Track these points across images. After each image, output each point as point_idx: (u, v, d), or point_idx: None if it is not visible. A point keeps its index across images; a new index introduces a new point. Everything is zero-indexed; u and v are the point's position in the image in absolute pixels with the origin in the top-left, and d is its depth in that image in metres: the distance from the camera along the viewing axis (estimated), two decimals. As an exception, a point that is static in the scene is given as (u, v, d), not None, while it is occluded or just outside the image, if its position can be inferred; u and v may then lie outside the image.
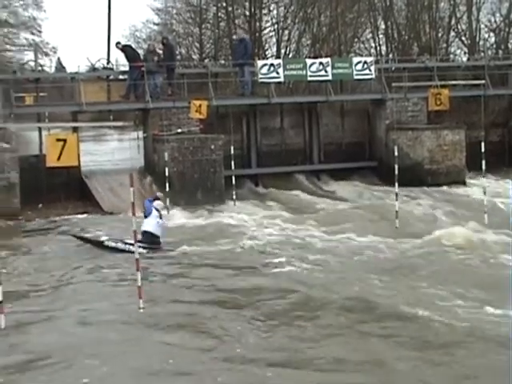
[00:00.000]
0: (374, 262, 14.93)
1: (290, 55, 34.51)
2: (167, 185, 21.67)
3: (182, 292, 12.89)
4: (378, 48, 36.44)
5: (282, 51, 35.05)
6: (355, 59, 27.97)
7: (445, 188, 24.83)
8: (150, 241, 16.48)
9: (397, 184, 18.52)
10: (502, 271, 13.43)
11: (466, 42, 36.27)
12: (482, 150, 19.14)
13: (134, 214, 11.85)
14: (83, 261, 15.55)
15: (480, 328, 10.49)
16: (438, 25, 35.83)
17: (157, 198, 17.70)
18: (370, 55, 33.38)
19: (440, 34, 35.99)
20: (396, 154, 18.97)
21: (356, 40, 36.69)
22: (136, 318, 11.15)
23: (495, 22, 36.14)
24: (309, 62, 26.78)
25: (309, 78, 26.79)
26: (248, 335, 10.49)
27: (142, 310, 11.36)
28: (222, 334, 10.48)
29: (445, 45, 36.16)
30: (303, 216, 20.67)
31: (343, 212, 20.98)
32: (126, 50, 25.98)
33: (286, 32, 35.51)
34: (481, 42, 36.19)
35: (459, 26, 36.44)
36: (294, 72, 26.48)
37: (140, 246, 13.80)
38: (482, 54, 34.43)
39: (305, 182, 26.50)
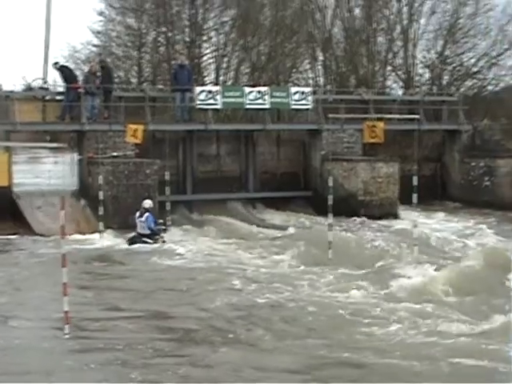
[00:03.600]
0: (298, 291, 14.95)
1: (229, 82, 34.56)
2: (101, 208, 21.46)
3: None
4: (316, 79, 36.76)
5: (221, 78, 35.09)
6: (293, 89, 28.21)
7: (377, 220, 25.05)
8: (140, 241, 20.32)
9: (330, 214, 18.63)
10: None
11: (401, 76, 36.83)
12: (415, 183, 19.38)
13: (63, 236, 11.70)
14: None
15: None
16: (376, 58, 36.32)
17: (147, 198, 21.27)
18: (308, 86, 33.66)
19: (377, 68, 36.48)
20: (330, 184, 19.12)
21: (294, 70, 36.91)
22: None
23: (430, 58, 36.78)
24: (247, 89, 26.92)
25: (246, 106, 26.96)
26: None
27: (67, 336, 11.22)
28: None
29: (381, 78, 36.65)
30: (235, 243, 20.68)
31: (277, 241, 21.02)
32: (64, 70, 25.73)
33: (226, 59, 35.58)
34: (416, 78, 36.87)
35: (396, 61, 37.00)
36: (232, 99, 26.58)
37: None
38: (417, 89, 35.10)
39: (240, 210, 26.51)
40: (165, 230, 21.31)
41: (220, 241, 21.21)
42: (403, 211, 25.87)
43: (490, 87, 37.21)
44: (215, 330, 12.13)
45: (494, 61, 36.41)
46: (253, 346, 11.29)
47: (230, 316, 12.89)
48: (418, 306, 13.37)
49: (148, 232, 20.60)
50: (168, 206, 23.13)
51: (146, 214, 20.82)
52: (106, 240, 20.85)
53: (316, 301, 13.87)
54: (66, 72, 25.57)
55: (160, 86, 32.36)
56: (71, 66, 30.47)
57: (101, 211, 21.51)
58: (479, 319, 12.54)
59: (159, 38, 35.62)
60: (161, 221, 21.57)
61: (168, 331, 12.05)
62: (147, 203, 21.03)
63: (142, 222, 20.72)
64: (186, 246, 20.15)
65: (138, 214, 20.95)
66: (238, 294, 14.44)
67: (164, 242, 20.64)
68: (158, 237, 20.66)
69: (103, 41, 36.52)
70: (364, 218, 25.06)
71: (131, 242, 20.50)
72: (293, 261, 17.94)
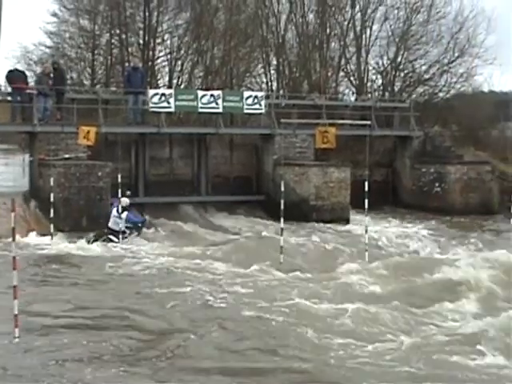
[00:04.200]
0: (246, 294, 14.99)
1: (182, 86, 34.53)
2: (52, 211, 21.29)
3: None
4: (270, 83, 36.90)
5: (174, 81, 35.05)
6: (246, 93, 28.26)
7: (329, 224, 25.22)
8: (111, 234, 20.91)
9: (282, 219, 18.73)
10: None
11: (354, 82, 37.12)
12: (366, 188, 19.57)
13: (14, 239, 11.62)
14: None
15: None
16: (328, 64, 36.52)
17: (126, 196, 21.59)
18: (261, 90, 33.80)
19: (330, 73, 36.67)
20: (282, 189, 19.19)
21: (248, 74, 36.99)
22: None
23: (383, 64, 37.12)
24: (200, 93, 26.89)
25: (200, 110, 26.90)
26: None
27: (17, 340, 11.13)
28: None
29: (334, 84, 36.87)
30: (186, 246, 20.66)
31: (228, 244, 21.02)
32: (14, 72, 25.52)
33: (179, 62, 35.55)
34: (368, 84, 37.20)
35: (348, 67, 37.28)
36: (185, 103, 26.54)
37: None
38: (370, 95, 35.41)
39: (192, 213, 26.46)
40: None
41: (171, 244, 21.15)
42: (355, 216, 26.07)
43: (441, 94, 37.62)
44: (164, 333, 12.14)
45: (445, 68, 36.83)
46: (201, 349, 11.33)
47: (177, 321, 12.88)
48: (366, 307, 13.52)
49: (118, 229, 21.06)
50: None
51: (125, 212, 21.38)
52: (57, 243, 20.67)
53: (265, 306, 13.92)
54: (15, 73, 25.34)
55: (113, 89, 32.34)
56: (23, 66, 30.25)
57: (52, 213, 21.33)
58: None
59: (113, 40, 35.49)
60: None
61: (113, 338, 11.97)
62: (124, 201, 21.53)
63: (117, 218, 21.27)
64: (136, 249, 20.04)
65: (114, 210, 21.48)
66: (187, 299, 14.41)
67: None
68: (131, 232, 21.47)
69: (56, 42, 36.29)
70: (316, 223, 25.23)
71: (94, 239, 20.76)
72: (244, 265, 17.95)
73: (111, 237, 20.97)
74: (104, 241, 20.84)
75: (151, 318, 13.10)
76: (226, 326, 12.55)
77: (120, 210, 21.39)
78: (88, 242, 20.67)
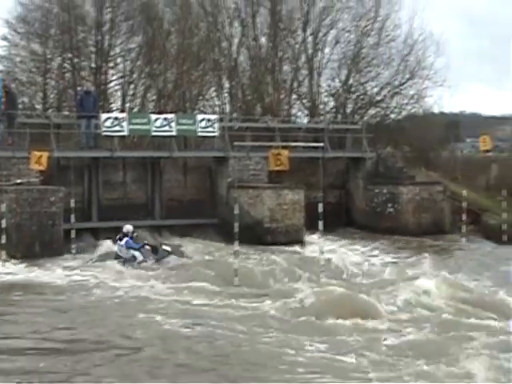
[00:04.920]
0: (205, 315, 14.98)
1: (135, 109, 34.48)
2: (4, 236, 21.07)
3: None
4: (223, 106, 36.96)
5: (127, 105, 34.99)
6: (199, 116, 28.34)
7: (284, 247, 25.25)
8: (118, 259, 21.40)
9: (236, 242, 18.74)
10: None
11: (307, 104, 37.36)
12: (320, 210, 19.69)
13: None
14: None
15: None
16: (281, 87, 36.75)
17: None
18: (215, 113, 33.86)
19: (282, 96, 36.89)
20: (236, 211, 19.22)
21: (201, 97, 37.04)
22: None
23: (335, 87, 37.45)
24: (153, 117, 26.92)
25: (153, 133, 26.94)
26: None
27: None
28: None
29: (287, 106, 37.08)
30: (140, 270, 20.55)
31: (182, 268, 20.96)
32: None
33: (132, 86, 35.52)
34: (321, 106, 37.47)
35: (301, 89, 37.53)
36: (139, 126, 26.54)
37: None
38: (322, 117, 35.67)
39: (146, 237, 26.30)
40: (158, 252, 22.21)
41: (124, 269, 20.99)
42: (309, 238, 26.16)
43: (392, 116, 38.05)
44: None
45: (396, 90, 37.28)
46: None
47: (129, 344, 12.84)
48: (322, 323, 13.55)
49: (126, 256, 21.48)
50: (73, 234, 22.88)
51: (125, 238, 21.62)
52: (9, 269, 20.42)
53: (219, 326, 13.92)
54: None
55: (65, 113, 32.17)
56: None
57: (3, 240, 21.11)
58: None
59: (65, 64, 35.32)
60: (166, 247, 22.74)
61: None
62: (125, 228, 21.89)
63: (120, 246, 21.69)
64: (89, 275, 19.87)
65: (118, 236, 22.02)
66: (143, 323, 14.35)
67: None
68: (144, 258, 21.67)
69: (7, 66, 35.95)
70: (270, 245, 25.24)
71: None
72: (198, 288, 17.93)
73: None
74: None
75: (102, 343, 12.99)
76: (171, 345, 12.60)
77: (121, 237, 21.76)
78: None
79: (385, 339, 13.23)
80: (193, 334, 13.54)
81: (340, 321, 14.59)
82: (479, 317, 15.02)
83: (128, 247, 21.63)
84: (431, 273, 18.81)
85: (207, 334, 13.48)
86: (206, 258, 23.14)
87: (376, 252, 25.09)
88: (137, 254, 21.58)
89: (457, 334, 13.53)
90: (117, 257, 21.71)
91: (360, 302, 15.77)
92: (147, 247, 22.15)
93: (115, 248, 22.19)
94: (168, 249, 22.61)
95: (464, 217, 27.03)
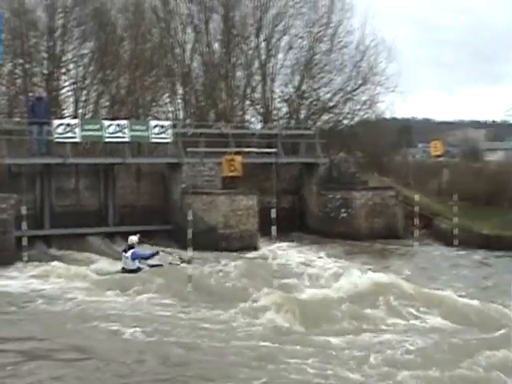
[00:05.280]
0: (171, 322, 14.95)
1: (88, 115, 34.26)
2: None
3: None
4: (176, 112, 36.92)
5: (80, 111, 34.75)
6: (152, 122, 28.25)
7: (238, 252, 25.23)
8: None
9: (190, 248, 18.73)
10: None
11: (260, 110, 37.49)
12: (273, 215, 19.79)
13: None
14: None
15: None
16: (234, 93, 36.85)
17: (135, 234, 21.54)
18: (168, 119, 33.80)
19: (236, 102, 36.99)
20: (190, 218, 19.21)
21: (154, 103, 36.98)
22: None
23: (288, 92, 37.64)
24: (106, 123, 26.78)
25: (106, 140, 26.78)
26: None
27: None
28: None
29: (240, 112, 37.19)
30: (91, 278, 20.43)
31: (136, 275, 20.87)
32: None
33: (85, 92, 35.29)
34: (274, 112, 37.62)
35: (254, 95, 37.65)
36: (91, 133, 26.37)
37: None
38: (275, 123, 35.82)
39: (99, 245, 26.20)
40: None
41: (77, 277, 20.84)
42: (263, 243, 26.23)
43: (345, 121, 38.43)
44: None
45: (349, 96, 37.62)
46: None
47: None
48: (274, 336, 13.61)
49: (132, 267, 20.81)
50: (25, 242, 22.70)
51: (131, 250, 21.00)
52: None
53: (170, 333, 13.89)
54: None
55: (16, 119, 31.81)
56: None
57: (-46, 248, 20.86)
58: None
59: (16, 70, 34.97)
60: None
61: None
62: (130, 240, 21.30)
63: (126, 258, 21.01)
64: (41, 283, 19.69)
65: (123, 248, 21.56)
66: (95, 333, 14.28)
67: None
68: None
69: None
70: (225, 251, 25.24)
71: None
72: (153, 295, 17.89)
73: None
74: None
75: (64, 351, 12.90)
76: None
77: (126, 248, 21.19)
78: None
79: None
80: (143, 341, 13.50)
81: (289, 325, 14.71)
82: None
83: (134, 258, 20.97)
84: (379, 276, 18.93)
85: (158, 342, 13.44)
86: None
87: (328, 256, 25.17)
88: (142, 265, 20.99)
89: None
90: (123, 270, 21.03)
91: (310, 306, 15.90)
92: (158, 256, 21.69)
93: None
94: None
95: (416, 221, 27.27)
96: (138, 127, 27.24)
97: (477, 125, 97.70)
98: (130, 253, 20.99)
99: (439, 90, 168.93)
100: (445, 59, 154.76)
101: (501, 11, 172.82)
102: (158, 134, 27.26)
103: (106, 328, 14.53)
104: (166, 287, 18.62)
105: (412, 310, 15.97)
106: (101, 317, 15.57)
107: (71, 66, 35.45)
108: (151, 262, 21.26)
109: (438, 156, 33.40)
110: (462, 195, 28.13)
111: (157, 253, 21.67)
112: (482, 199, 30.49)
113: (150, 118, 34.39)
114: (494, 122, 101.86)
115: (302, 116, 37.42)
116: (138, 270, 20.81)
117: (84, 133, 26.03)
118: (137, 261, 20.97)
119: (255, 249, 26.07)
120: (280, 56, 37.37)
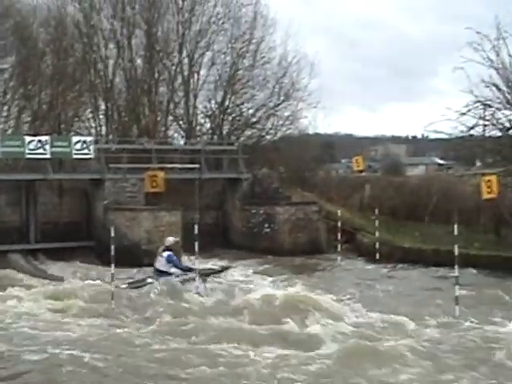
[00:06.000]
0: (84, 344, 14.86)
1: (9, 131, 33.83)
2: None
3: None
4: (99, 128, 36.68)
5: (1, 127, 34.29)
6: (74, 138, 28.08)
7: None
8: (159, 275, 20.46)
9: (113, 265, 18.64)
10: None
11: (183, 126, 37.53)
12: (196, 231, 19.86)
13: None
14: None
15: None
16: (157, 108, 36.82)
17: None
18: (90, 135, 33.62)
19: (159, 118, 36.96)
20: (112, 234, 19.11)
21: (76, 119, 36.70)
22: None
23: (211, 108, 37.79)
24: (27, 139, 26.52)
25: (27, 156, 26.50)
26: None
27: None
28: None
29: (163, 128, 37.15)
30: (12, 295, 20.09)
31: (60, 292, 20.62)
32: None
33: (5, 108, 34.85)
34: (197, 127, 37.71)
35: (177, 111, 37.67)
36: (12, 149, 26.14)
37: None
38: (199, 138, 35.92)
39: (20, 262, 25.80)
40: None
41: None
42: (187, 259, 26.19)
43: (268, 137, 38.70)
44: None
45: (271, 111, 37.97)
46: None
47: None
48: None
49: (163, 269, 20.62)
50: None
51: (167, 252, 20.84)
52: None
53: (91, 350, 13.86)
54: None
55: None
56: None
57: None
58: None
59: None
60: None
61: None
62: (168, 241, 21.29)
63: (161, 257, 20.81)
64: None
65: (161, 248, 21.17)
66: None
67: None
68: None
69: None
70: (148, 267, 25.10)
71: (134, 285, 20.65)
72: (75, 313, 17.74)
73: (149, 279, 20.69)
74: (138, 287, 20.39)
75: None
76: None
77: (164, 248, 20.99)
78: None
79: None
80: (63, 358, 13.43)
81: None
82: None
83: (169, 261, 20.75)
84: (296, 290, 19.21)
85: (78, 359, 13.39)
86: (83, 281, 22.82)
87: (250, 271, 25.32)
88: (173, 270, 20.70)
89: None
90: (154, 270, 20.83)
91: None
92: (192, 275, 20.61)
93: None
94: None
95: (339, 236, 27.57)
96: (59, 143, 27.05)
97: (398, 140, 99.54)
98: (166, 253, 20.88)
99: (361, 105, 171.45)
100: (366, 75, 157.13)
101: (420, 29, 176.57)
102: (80, 149, 27.08)
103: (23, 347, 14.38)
104: (89, 304, 18.49)
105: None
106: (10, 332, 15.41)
107: (-10, 80, 35.00)
108: (182, 274, 20.81)
109: (360, 171, 34.02)
110: (383, 210, 28.61)
111: (189, 269, 21.01)
112: (403, 213, 31.08)
113: (72, 133, 34.16)
114: (414, 137, 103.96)
115: (225, 131, 37.58)
116: (168, 275, 20.58)
117: (4, 149, 25.76)
118: (171, 265, 20.75)
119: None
120: (203, 72, 37.62)
